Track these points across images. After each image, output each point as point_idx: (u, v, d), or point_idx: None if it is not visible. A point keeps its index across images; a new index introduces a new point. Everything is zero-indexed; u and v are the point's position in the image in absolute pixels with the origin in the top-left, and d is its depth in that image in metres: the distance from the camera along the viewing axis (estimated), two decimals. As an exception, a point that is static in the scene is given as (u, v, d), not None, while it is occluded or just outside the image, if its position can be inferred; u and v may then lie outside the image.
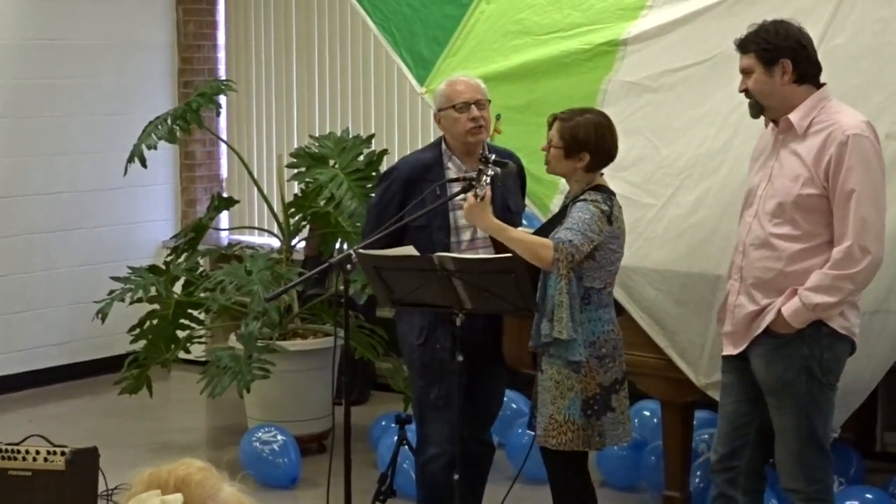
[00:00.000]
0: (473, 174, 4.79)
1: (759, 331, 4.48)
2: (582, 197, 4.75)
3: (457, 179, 4.92)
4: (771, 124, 4.57)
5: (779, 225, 4.44)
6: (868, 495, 5.48)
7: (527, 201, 5.51)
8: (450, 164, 5.12)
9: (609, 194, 4.78)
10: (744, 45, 4.52)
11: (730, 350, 4.62)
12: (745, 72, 4.52)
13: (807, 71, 4.47)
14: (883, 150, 4.91)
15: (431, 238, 5.02)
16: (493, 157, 4.79)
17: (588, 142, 4.74)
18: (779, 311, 4.42)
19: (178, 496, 1.98)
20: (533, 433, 4.95)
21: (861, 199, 4.31)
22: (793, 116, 4.45)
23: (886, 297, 4.99)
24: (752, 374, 4.55)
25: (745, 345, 4.55)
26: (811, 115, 4.44)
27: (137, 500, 1.98)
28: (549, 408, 4.77)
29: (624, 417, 4.84)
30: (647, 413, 6.54)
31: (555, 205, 5.55)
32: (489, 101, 5.12)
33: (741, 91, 4.56)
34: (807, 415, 4.46)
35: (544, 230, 4.88)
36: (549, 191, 5.49)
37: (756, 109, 4.56)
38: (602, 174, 4.84)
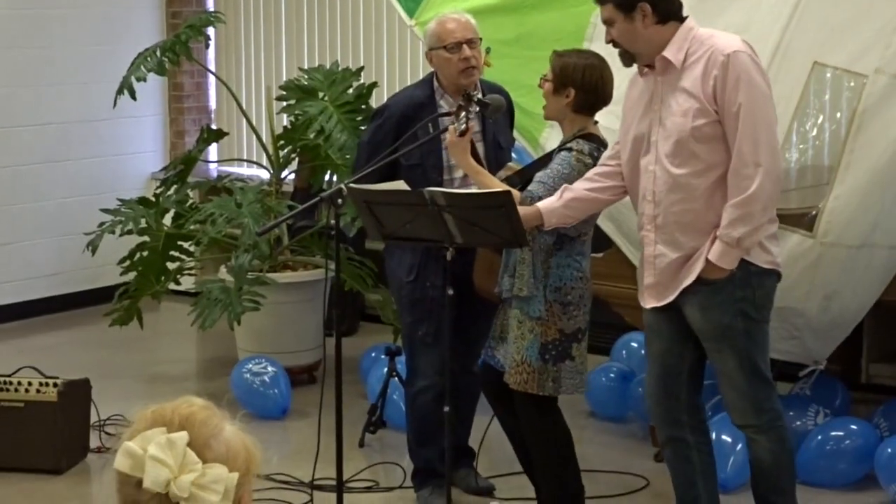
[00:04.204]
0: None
1: (690, 281, 4.41)
2: (568, 145, 4.71)
3: (448, 114, 4.92)
4: (645, 69, 4.47)
5: (681, 164, 4.35)
6: (853, 426, 5.54)
7: (516, 135, 5.51)
8: (442, 103, 5.11)
9: (598, 145, 4.73)
10: None
11: (653, 303, 4.52)
12: (608, 23, 4.43)
13: (667, 10, 4.37)
14: (872, 84, 4.93)
15: (426, 176, 5.01)
16: (477, 94, 4.77)
17: (575, 78, 4.69)
18: (706, 259, 4.35)
19: (184, 434, 2.00)
20: (483, 363, 4.96)
21: (748, 113, 4.23)
22: (667, 53, 4.35)
23: (872, 231, 5.02)
24: (679, 317, 4.48)
25: (672, 296, 4.46)
26: (685, 47, 4.35)
27: (143, 437, 2.00)
28: (511, 346, 4.79)
29: (583, 367, 4.82)
30: (635, 345, 6.59)
31: (544, 138, 5.55)
32: (480, 38, 5.09)
33: (608, 42, 4.48)
34: (747, 354, 4.42)
35: (530, 170, 4.87)
36: (538, 124, 5.48)
37: (627, 58, 4.48)
38: (597, 123, 4.80)
